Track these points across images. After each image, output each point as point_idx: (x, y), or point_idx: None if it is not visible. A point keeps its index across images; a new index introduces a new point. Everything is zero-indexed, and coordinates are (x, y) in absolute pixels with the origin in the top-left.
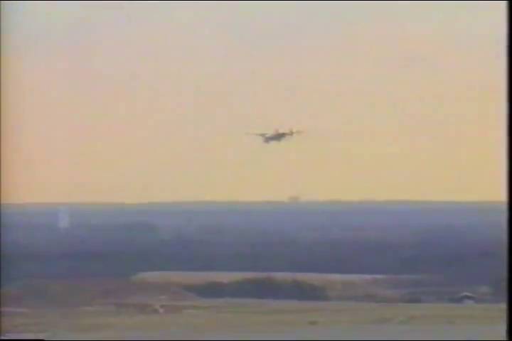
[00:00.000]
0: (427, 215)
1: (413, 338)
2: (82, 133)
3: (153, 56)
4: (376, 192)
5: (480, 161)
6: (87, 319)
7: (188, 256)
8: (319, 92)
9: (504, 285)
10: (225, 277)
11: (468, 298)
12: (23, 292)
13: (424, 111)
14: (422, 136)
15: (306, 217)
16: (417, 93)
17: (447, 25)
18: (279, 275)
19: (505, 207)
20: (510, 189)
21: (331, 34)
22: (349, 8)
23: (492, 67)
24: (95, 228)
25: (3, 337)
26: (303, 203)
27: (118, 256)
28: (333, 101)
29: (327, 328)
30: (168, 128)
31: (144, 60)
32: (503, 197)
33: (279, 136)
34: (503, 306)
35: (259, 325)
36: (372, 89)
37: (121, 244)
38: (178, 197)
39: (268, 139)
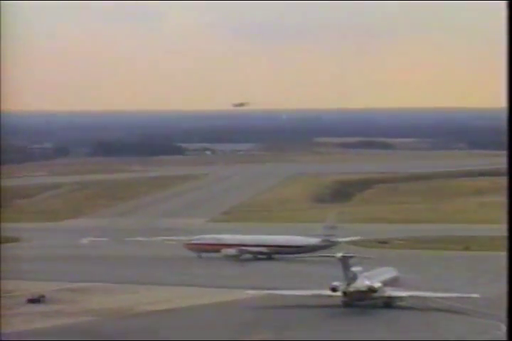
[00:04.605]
0: (432, 113)
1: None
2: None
3: None
4: (408, 99)
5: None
6: (289, 156)
7: (328, 131)
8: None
9: (471, 146)
10: (349, 140)
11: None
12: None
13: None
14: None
15: (383, 117)
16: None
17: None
18: (373, 139)
19: (486, 113)
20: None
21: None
22: None
23: None
24: (285, 120)
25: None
26: (376, 109)
27: (299, 132)
28: None
29: (393, 158)
30: None
31: None
32: (488, 104)
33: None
34: (472, 152)
35: (366, 159)
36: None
37: (300, 125)
38: (317, 105)
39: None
